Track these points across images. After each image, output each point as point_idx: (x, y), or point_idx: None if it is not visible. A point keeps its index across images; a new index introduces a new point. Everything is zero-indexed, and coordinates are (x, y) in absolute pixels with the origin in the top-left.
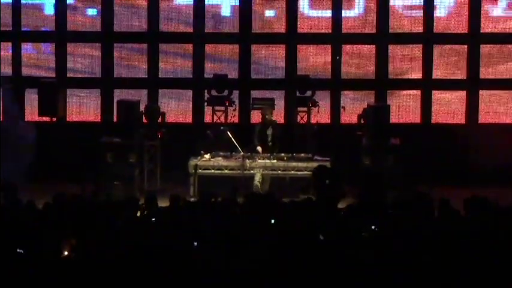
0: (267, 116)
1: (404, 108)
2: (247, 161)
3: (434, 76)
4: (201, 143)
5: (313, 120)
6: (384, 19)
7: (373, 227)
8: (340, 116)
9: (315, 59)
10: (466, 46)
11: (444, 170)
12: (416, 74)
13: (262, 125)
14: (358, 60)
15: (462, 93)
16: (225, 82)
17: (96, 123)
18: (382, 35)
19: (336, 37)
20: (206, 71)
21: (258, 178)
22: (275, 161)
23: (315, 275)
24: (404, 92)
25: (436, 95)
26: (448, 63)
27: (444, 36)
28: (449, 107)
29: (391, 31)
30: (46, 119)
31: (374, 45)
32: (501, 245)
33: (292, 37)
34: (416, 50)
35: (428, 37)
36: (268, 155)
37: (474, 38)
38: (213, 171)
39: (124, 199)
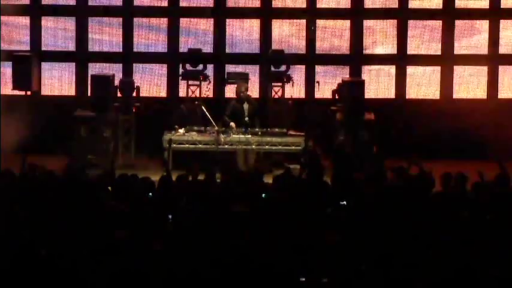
0: (242, 93)
1: (378, 83)
2: (221, 135)
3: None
4: (175, 118)
5: (287, 96)
6: None
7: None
8: (315, 91)
9: (289, 34)
10: (440, 21)
11: (419, 145)
12: (390, 49)
13: (237, 101)
14: (332, 36)
15: (437, 68)
16: (199, 56)
17: (71, 97)
18: (358, 10)
19: (310, 12)
20: (180, 45)
21: (241, 154)
22: (249, 136)
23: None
24: (378, 67)
25: (410, 70)
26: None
27: (418, 11)
28: (424, 82)
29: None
30: (20, 92)
31: (349, 20)
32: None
33: (267, 11)
34: (391, 24)
35: (403, 12)
36: (243, 129)
37: (448, 13)
38: (187, 145)
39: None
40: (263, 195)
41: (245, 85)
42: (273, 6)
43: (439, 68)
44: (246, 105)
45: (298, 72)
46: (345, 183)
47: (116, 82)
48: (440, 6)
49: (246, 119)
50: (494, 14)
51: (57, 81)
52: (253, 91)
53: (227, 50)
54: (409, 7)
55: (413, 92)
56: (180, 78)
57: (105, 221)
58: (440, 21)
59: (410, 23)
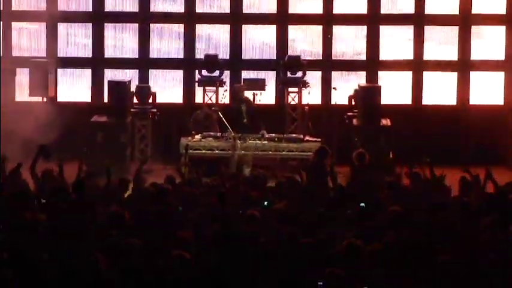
0: (240, 95)
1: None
2: (238, 141)
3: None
4: (192, 123)
5: (304, 101)
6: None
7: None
8: (331, 97)
9: (306, 40)
10: (457, 27)
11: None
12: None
13: (236, 103)
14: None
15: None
16: (216, 63)
17: (87, 103)
18: (374, 16)
19: (327, 17)
20: (197, 51)
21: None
22: (266, 142)
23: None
24: (396, 73)
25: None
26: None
27: (435, 17)
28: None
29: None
30: (37, 98)
31: (365, 26)
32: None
33: (283, 17)
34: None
35: (420, 18)
36: (260, 135)
37: (465, 19)
38: (203, 151)
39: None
40: (265, 203)
41: (244, 87)
42: (289, 12)
43: (455, 74)
44: (244, 107)
45: (314, 78)
46: (363, 189)
47: (133, 88)
48: (457, 12)
49: (245, 120)
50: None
51: (74, 87)
52: (270, 97)
53: (243, 56)
54: (425, 13)
55: (429, 98)
56: (197, 84)
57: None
58: (457, 27)
59: (427, 28)
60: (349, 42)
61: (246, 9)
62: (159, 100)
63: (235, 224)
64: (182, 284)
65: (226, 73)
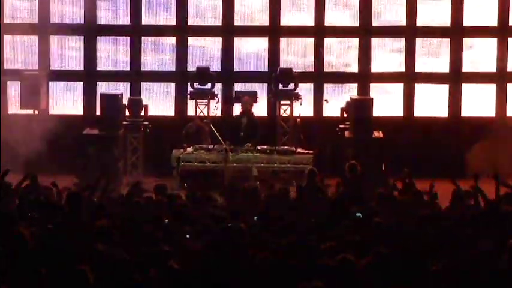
0: (248, 107)
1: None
2: (230, 154)
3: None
4: (184, 136)
5: (295, 114)
6: (367, 13)
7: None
8: (323, 109)
9: (297, 52)
10: (448, 39)
11: (427, 163)
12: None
13: (240, 115)
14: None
15: (445, 87)
16: (207, 75)
17: (79, 116)
18: (366, 28)
19: (319, 30)
20: (188, 64)
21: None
22: (258, 154)
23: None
24: (387, 84)
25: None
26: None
27: (427, 29)
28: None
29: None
30: (28, 111)
31: (357, 38)
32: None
33: (275, 30)
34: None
35: (411, 30)
36: (252, 148)
37: (456, 31)
38: (195, 164)
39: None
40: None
41: (251, 100)
42: (281, 24)
43: (447, 85)
44: (244, 120)
45: (306, 91)
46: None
47: (125, 101)
48: (448, 24)
49: (241, 134)
50: (503, 33)
51: (65, 100)
52: (261, 109)
53: (235, 69)
54: (417, 25)
55: (422, 110)
56: (189, 97)
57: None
58: (449, 39)
59: (418, 40)
60: (337, 54)
61: (238, 22)
62: (151, 113)
63: (226, 236)
64: None
65: (218, 86)
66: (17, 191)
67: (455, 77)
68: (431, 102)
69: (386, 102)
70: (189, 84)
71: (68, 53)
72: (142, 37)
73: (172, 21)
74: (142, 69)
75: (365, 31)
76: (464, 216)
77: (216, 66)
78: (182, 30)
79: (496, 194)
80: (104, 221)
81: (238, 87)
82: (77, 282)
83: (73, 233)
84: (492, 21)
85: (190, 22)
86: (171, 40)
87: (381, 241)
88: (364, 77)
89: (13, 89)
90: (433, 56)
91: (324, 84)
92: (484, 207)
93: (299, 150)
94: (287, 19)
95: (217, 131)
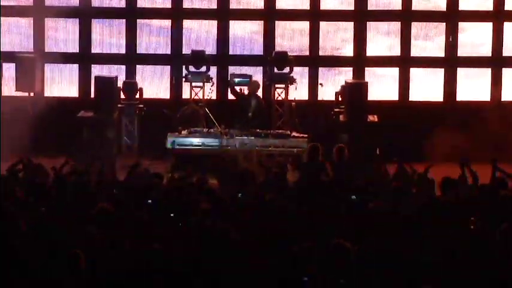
0: (256, 89)
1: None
2: (224, 137)
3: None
4: (179, 119)
5: (290, 97)
6: None
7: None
8: (318, 93)
9: (293, 35)
10: (444, 23)
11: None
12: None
13: (247, 97)
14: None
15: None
16: (202, 58)
17: (74, 98)
18: (361, 12)
19: (314, 13)
20: (183, 47)
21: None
22: (252, 137)
23: None
24: (382, 68)
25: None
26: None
27: (422, 13)
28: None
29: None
30: (23, 93)
31: (352, 22)
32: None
33: (270, 13)
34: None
35: (407, 14)
36: (246, 132)
37: (452, 15)
38: (190, 147)
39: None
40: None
41: (258, 84)
42: (276, 7)
43: (442, 70)
44: (254, 101)
45: (301, 74)
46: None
47: (119, 84)
48: (444, 8)
49: (250, 114)
50: (498, 16)
51: (60, 82)
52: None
53: (230, 52)
54: (412, 9)
55: (417, 94)
56: (184, 80)
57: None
58: (444, 23)
59: (414, 24)
60: (332, 37)
61: (233, 5)
62: (145, 95)
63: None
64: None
65: (213, 69)
66: (11, 172)
67: (451, 61)
68: (427, 86)
69: (382, 86)
70: (184, 67)
71: (63, 35)
72: (138, 20)
73: (167, 4)
74: (138, 52)
75: (360, 15)
76: (459, 200)
77: (211, 50)
78: (177, 13)
79: (492, 179)
80: (104, 204)
81: (233, 70)
82: (69, 266)
83: (62, 216)
84: (488, 5)
85: (185, 5)
86: (167, 23)
87: (376, 226)
88: (359, 61)
89: (8, 71)
90: (429, 40)
91: (320, 68)
92: (477, 191)
93: (294, 134)
94: (283, 2)
95: (212, 114)
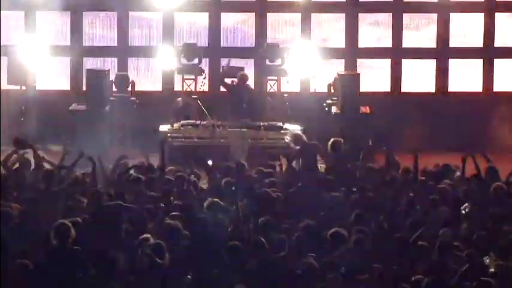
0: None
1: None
2: (217, 129)
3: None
4: (171, 112)
5: (283, 89)
6: None
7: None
8: (311, 85)
9: (284, 27)
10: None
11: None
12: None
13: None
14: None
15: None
16: (194, 50)
17: (66, 91)
18: (353, 3)
19: (306, 5)
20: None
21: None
22: (245, 129)
23: None
24: (374, 60)
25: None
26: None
27: (414, 4)
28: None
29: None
30: (15, 87)
31: (344, 14)
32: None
33: (262, 5)
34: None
35: (399, 5)
36: (239, 124)
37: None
38: (183, 139)
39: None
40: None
41: (247, 76)
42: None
43: (434, 61)
44: (246, 92)
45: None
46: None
47: (112, 77)
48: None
49: (244, 105)
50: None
51: (53, 75)
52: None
53: (222, 44)
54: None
55: (409, 85)
56: (176, 72)
57: None
58: (436, 14)
59: (405, 16)
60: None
61: None
62: (138, 88)
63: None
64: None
65: (205, 61)
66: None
67: (443, 52)
68: (419, 77)
69: (374, 77)
70: (176, 59)
71: (55, 28)
72: (130, 12)
73: None
74: (129, 45)
75: (352, 6)
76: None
77: (202, 42)
78: (169, 6)
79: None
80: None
81: (224, 62)
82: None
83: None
84: None
85: None
86: (158, 15)
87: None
88: (351, 52)
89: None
90: (420, 31)
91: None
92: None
93: (286, 125)
94: None
95: (204, 106)
